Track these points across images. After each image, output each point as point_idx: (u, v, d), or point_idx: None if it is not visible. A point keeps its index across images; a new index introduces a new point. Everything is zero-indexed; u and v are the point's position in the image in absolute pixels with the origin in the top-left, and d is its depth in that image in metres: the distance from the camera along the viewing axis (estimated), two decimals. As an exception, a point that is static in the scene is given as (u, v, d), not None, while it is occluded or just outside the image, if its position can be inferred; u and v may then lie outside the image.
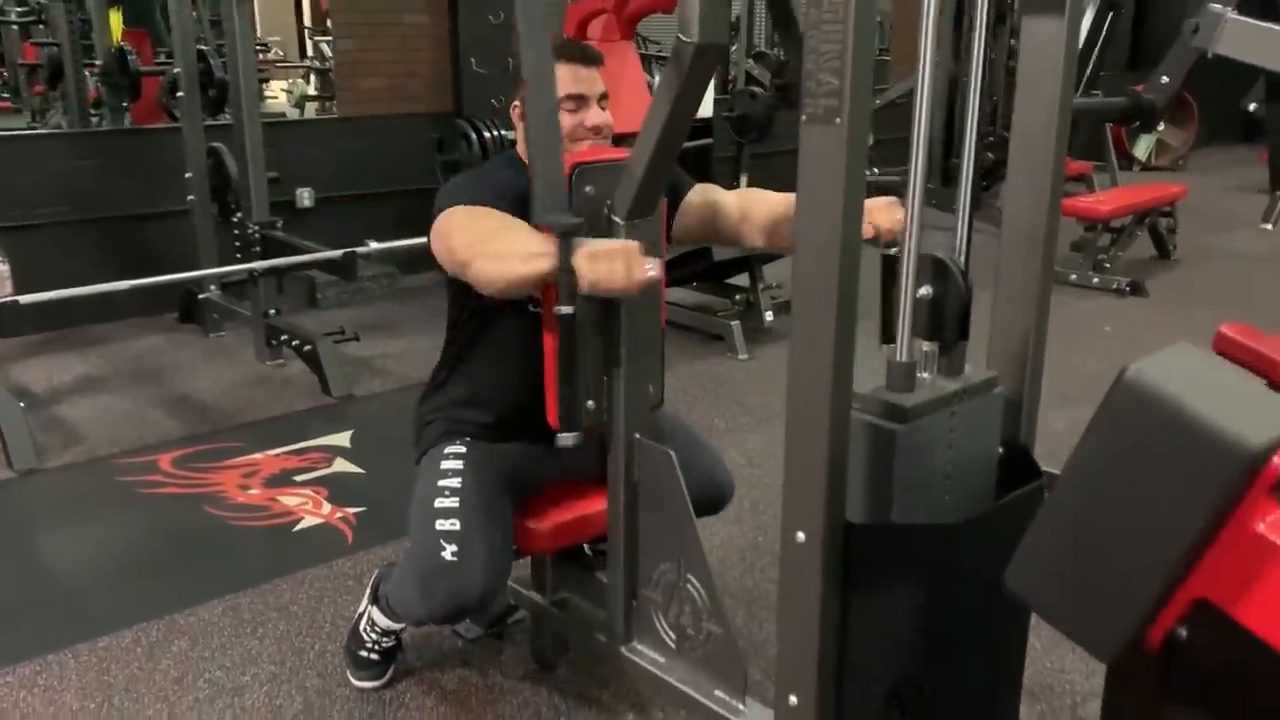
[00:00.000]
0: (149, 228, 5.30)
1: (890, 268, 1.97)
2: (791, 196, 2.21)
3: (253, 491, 3.33)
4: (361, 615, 2.36)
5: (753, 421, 3.96)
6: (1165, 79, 2.72)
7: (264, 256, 4.36)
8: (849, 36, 1.25)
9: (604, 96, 2.09)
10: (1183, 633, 0.87)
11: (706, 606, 1.98)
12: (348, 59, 5.94)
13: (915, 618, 1.48)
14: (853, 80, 1.26)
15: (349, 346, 4.54)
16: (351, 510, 3.20)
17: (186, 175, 4.83)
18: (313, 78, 9.21)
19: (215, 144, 4.79)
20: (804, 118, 1.32)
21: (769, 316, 4.99)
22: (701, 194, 2.26)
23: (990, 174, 7.88)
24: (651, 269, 1.71)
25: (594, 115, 2.04)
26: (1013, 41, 11.87)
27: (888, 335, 2.01)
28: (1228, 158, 10.78)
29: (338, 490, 3.33)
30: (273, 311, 4.51)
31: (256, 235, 4.38)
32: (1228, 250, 7.08)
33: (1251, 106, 3.24)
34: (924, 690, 1.51)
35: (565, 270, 1.67)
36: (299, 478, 3.43)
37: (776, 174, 3.08)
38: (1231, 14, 2.52)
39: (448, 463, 2.11)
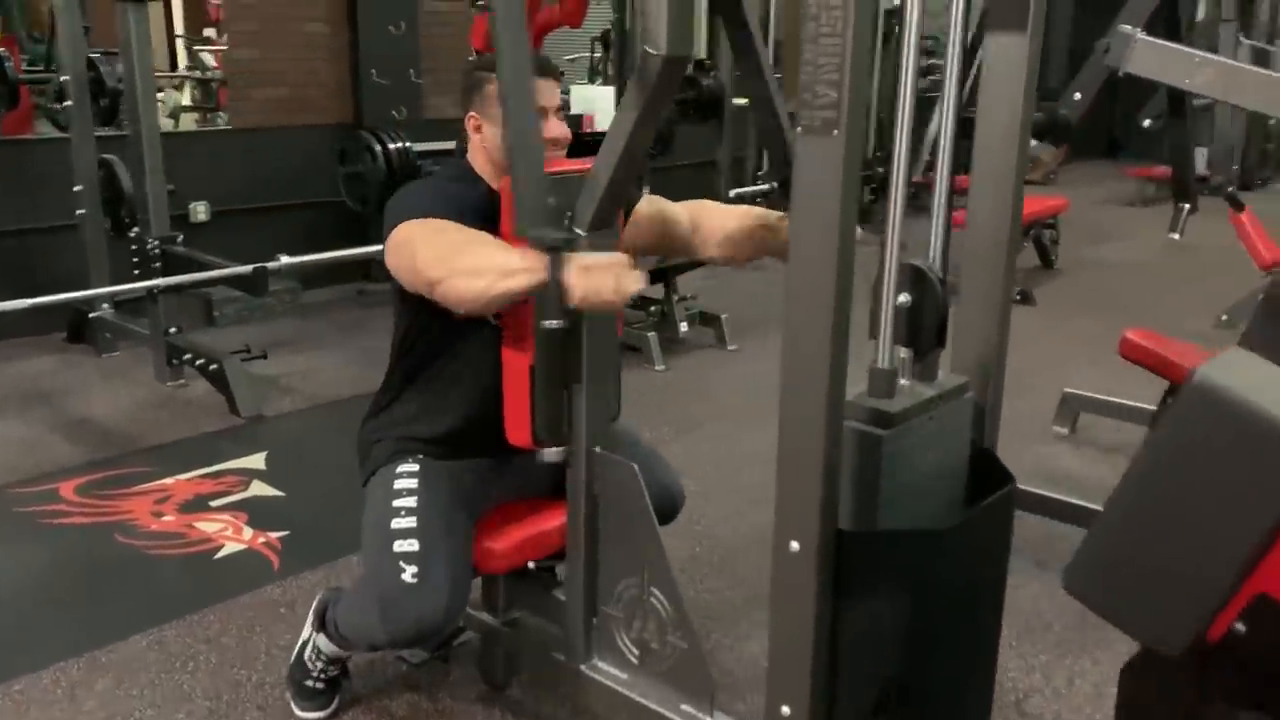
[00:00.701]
0: (28, 243, 5.03)
1: None
2: (742, 209, 2.24)
3: (167, 518, 3.17)
4: (305, 643, 2.27)
5: (674, 431, 3.97)
6: (1078, 95, 2.84)
7: (165, 272, 4.18)
8: (847, 50, 1.27)
9: (560, 108, 2.08)
10: (1242, 627, 0.90)
11: (671, 620, 1.97)
12: (244, 69, 5.76)
13: (903, 621, 1.50)
14: (850, 92, 1.28)
15: (253, 365, 4.38)
16: (274, 535, 3.08)
17: (75, 189, 4.59)
18: (187, 88, 8.89)
19: (107, 155, 4.58)
20: (799, 129, 1.33)
21: (684, 327, 5.02)
22: (651, 205, 2.26)
23: (881, 189, 8.13)
24: (638, 281, 1.70)
25: (554, 127, 2.02)
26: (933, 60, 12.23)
27: None
28: (1093, 173, 11.34)
29: (258, 514, 3.21)
30: (173, 330, 4.32)
31: (156, 251, 4.19)
32: (1103, 260, 7.44)
33: (1146, 123, 3.41)
34: (910, 692, 1.53)
35: (555, 284, 1.65)
36: (215, 503, 3.29)
37: (677, 188, 3.11)
38: (1140, 35, 2.64)
39: (401, 482, 2.05)
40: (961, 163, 1.70)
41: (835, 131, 1.29)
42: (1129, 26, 2.67)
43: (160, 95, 9.08)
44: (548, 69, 2.06)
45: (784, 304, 1.39)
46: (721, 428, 3.96)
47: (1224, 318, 5.54)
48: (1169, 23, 2.79)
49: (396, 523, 1.98)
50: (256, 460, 3.63)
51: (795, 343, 1.40)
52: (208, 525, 3.13)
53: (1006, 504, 1.63)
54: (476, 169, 2.07)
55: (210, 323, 5.38)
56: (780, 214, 2.08)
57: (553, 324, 1.71)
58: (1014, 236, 1.71)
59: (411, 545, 1.95)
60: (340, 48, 6.00)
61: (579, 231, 1.88)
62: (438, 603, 1.92)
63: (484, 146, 2.04)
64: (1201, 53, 2.61)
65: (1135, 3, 2.68)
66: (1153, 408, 3.28)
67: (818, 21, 1.28)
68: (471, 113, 2.03)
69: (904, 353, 1.58)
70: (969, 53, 1.73)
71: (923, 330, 1.57)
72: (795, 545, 1.46)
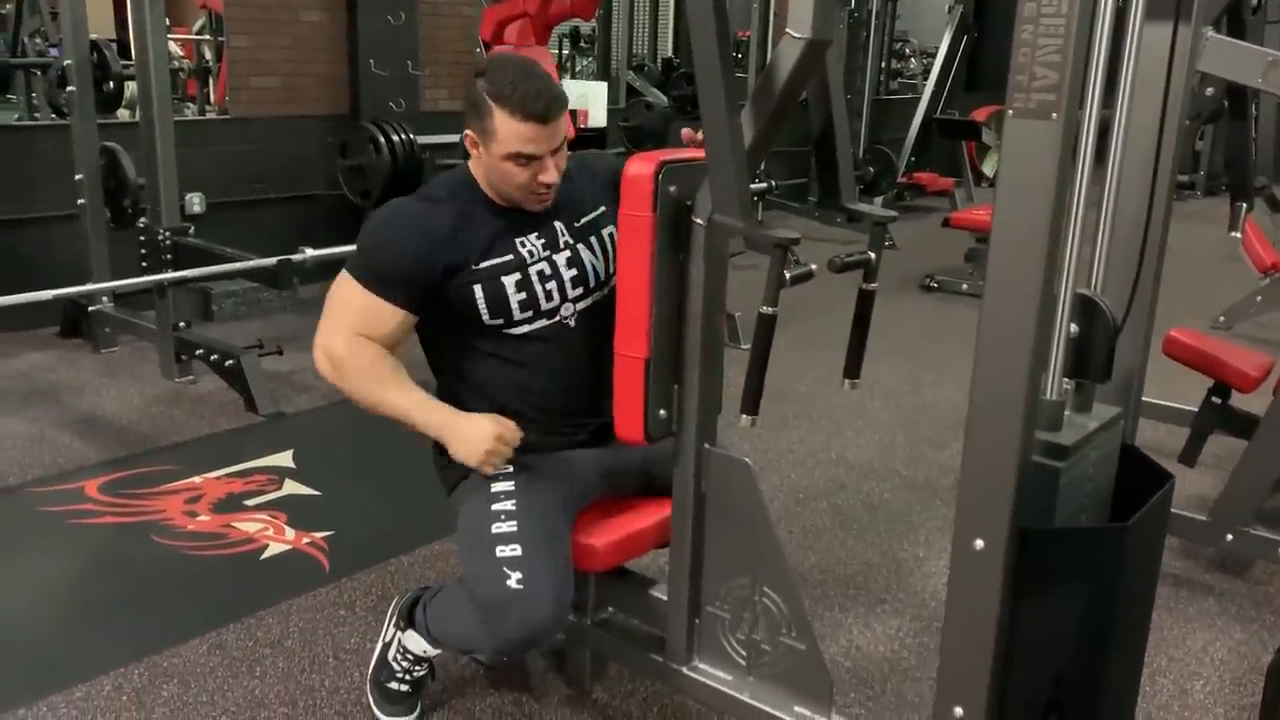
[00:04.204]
0: (16, 234, 4.83)
1: (865, 304, 2.00)
2: None
3: (202, 518, 3.06)
4: (389, 644, 2.18)
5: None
6: None
7: (176, 265, 4.04)
8: (1071, 30, 1.23)
9: (563, 143, 1.93)
10: None
11: (786, 619, 1.93)
12: (241, 56, 5.60)
13: (1078, 621, 1.47)
14: (1072, 75, 1.24)
15: (265, 362, 4.24)
16: (319, 535, 2.98)
17: (76, 177, 4.42)
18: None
19: (109, 143, 4.42)
20: (1010, 113, 1.29)
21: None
22: None
23: (871, 188, 8.16)
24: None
25: (549, 173, 1.91)
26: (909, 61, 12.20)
27: (852, 370, 2.04)
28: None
29: (297, 514, 3.10)
30: (183, 324, 4.18)
31: (168, 242, 4.05)
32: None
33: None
34: (1082, 692, 1.50)
35: (777, 276, 1.63)
36: (250, 502, 3.17)
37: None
38: (1212, 33, 2.65)
39: (498, 484, 1.98)
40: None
41: (1054, 115, 1.25)
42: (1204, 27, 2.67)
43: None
44: (552, 111, 1.86)
45: (986, 289, 1.35)
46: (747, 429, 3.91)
47: (1221, 319, 5.62)
48: (1233, 23, 2.80)
49: (497, 527, 1.92)
50: (284, 458, 3.51)
51: (993, 329, 1.36)
52: (247, 525, 3.02)
53: (1165, 502, 1.61)
54: (478, 178, 2.00)
55: (208, 317, 5.24)
56: None
57: (769, 310, 1.73)
58: (1162, 239, 1.69)
59: (514, 550, 1.88)
60: (338, 38, 5.87)
61: (698, 220, 1.84)
62: (544, 607, 1.85)
63: (481, 164, 1.96)
64: (1276, 52, 2.62)
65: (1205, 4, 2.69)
66: (1193, 408, 3.29)
67: (1039, 1, 1.24)
68: (469, 131, 1.93)
69: (1068, 384, 1.56)
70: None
71: (1091, 362, 1.54)
72: (980, 543, 1.42)
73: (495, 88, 1.86)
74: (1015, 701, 1.49)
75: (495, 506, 1.95)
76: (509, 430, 1.92)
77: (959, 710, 1.49)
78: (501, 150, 1.87)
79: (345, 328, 1.95)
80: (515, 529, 1.91)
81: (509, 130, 1.85)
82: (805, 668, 1.92)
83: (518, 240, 1.98)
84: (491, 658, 2.26)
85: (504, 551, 1.88)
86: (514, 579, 1.85)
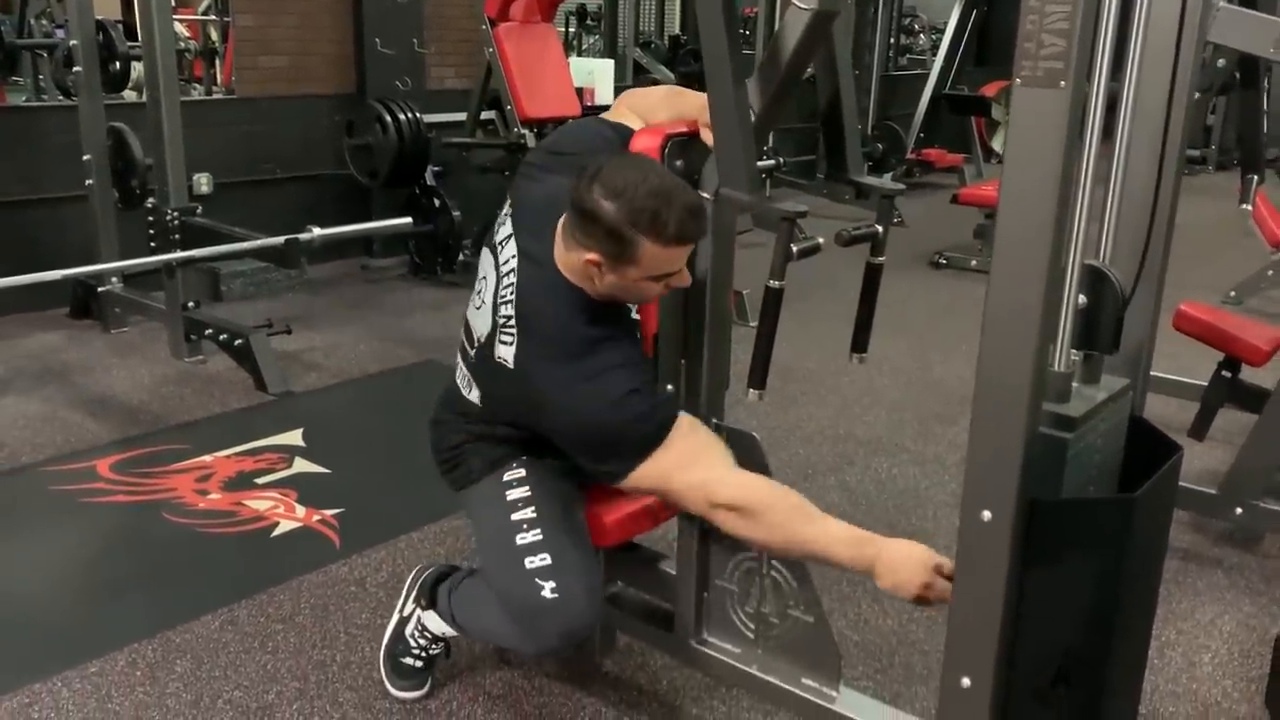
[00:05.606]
0: (28, 215, 4.84)
1: (872, 278, 1.99)
2: (661, 91, 2.11)
3: (213, 496, 3.08)
4: (406, 619, 2.20)
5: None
6: None
7: (183, 245, 4.04)
8: (1080, -4, 1.22)
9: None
10: None
11: (794, 593, 1.94)
12: (247, 36, 5.59)
13: (1086, 593, 1.47)
14: (1080, 42, 1.24)
15: (273, 341, 4.25)
16: (329, 512, 2.99)
17: (84, 158, 4.42)
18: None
19: (116, 124, 4.42)
20: (1018, 81, 1.28)
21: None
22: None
23: (880, 165, 8.12)
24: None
25: (684, 277, 1.81)
26: (922, 36, 12.11)
27: (860, 344, 2.04)
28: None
29: (307, 492, 3.12)
30: (192, 304, 4.19)
31: (175, 222, 4.05)
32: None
33: None
34: (1088, 665, 1.50)
35: (785, 251, 1.65)
36: (260, 480, 3.19)
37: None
38: (1223, 3, 2.62)
39: (514, 491, 1.95)
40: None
41: (1062, 84, 1.24)
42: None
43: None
44: (700, 230, 1.75)
45: (994, 262, 1.35)
46: (754, 405, 3.92)
47: (1232, 294, 5.59)
48: (1246, -7, 2.77)
49: (521, 538, 1.90)
50: (294, 437, 3.53)
51: (1000, 300, 1.35)
52: (257, 503, 3.04)
53: (1174, 474, 1.60)
54: (573, 279, 1.83)
55: (217, 297, 5.25)
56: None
57: (777, 284, 1.73)
58: (1171, 212, 1.68)
59: (544, 559, 1.87)
60: (344, 16, 5.85)
61: (704, 195, 1.83)
62: (580, 611, 1.86)
63: (601, 281, 1.78)
64: (1288, 22, 2.59)
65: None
66: (1203, 383, 3.28)
67: (1047, -32, 1.23)
68: (592, 256, 1.74)
69: (1076, 355, 1.55)
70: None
71: (1099, 333, 1.54)
72: (987, 514, 1.42)
73: (641, 221, 1.68)
74: (1022, 673, 1.49)
75: (515, 516, 1.93)
76: (943, 571, 1.69)
77: (966, 681, 1.50)
78: (644, 274, 1.75)
79: (713, 473, 1.80)
80: (540, 537, 1.90)
81: (659, 257, 1.72)
82: (813, 641, 1.93)
83: (626, 308, 1.94)
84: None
85: (533, 562, 1.87)
86: (548, 589, 1.84)
